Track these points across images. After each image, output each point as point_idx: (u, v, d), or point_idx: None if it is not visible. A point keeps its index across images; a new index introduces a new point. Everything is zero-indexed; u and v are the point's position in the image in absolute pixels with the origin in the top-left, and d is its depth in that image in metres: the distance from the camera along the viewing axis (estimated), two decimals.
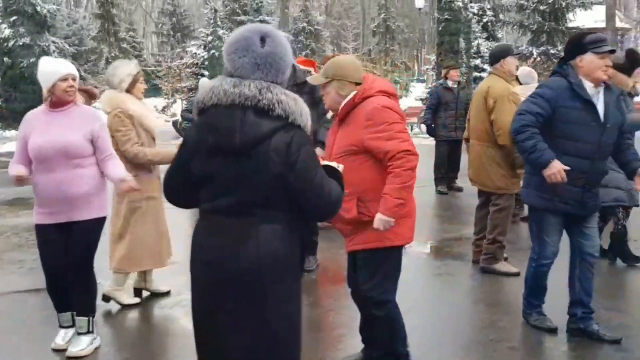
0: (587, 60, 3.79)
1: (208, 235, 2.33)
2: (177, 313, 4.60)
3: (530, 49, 27.10)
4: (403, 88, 25.75)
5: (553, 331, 4.10)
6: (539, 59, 26.51)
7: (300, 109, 2.28)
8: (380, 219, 3.15)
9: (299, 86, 5.01)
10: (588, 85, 3.80)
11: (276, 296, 2.30)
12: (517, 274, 5.22)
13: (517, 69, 5.78)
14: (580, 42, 3.85)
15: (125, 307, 4.73)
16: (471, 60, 21.22)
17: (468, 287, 5.27)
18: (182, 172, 2.37)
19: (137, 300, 4.85)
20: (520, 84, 6.77)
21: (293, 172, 2.24)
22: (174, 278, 4.98)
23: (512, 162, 5.32)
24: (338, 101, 3.28)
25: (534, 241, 4.14)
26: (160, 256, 4.77)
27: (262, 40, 2.28)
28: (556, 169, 3.72)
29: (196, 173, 2.31)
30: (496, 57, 5.51)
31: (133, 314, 4.68)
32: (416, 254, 6.05)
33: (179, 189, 2.42)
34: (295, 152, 2.24)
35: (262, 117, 2.23)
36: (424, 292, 5.07)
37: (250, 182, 2.24)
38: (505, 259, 5.53)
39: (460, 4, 21.44)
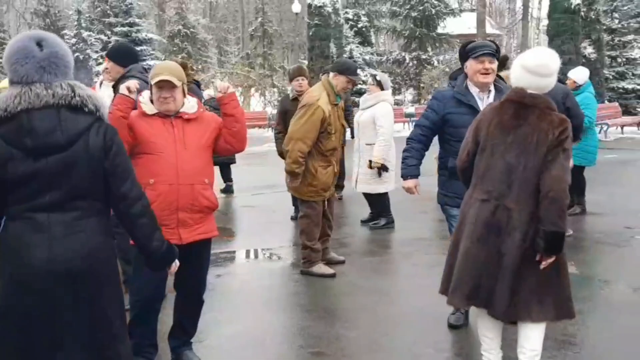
0: (469, 66, 4.08)
1: (33, 233, 2.38)
2: None
3: (403, 54, 27.95)
4: (281, 92, 25.73)
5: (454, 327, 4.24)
6: (411, 63, 27.36)
7: (102, 103, 2.52)
8: None
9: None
10: (474, 90, 4.07)
11: (108, 287, 2.52)
12: (333, 276, 5.43)
13: (344, 91, 5.68)
14: (463, 51, 4.16)
15: None
16: None
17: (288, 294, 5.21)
18: None
19: None
20: (382, 88, 7.02)
21: (112, 161, 2.47)
22: None
23: (312, 173, 5.35)
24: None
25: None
26: None
27: (39, 44, 2.40)
28: (406, 186, 4.33)
29: (8, 178, 2.36)
30: (335, 69, 5.48)
31: None
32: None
33: None
34: (110, 142, 2.47)
35: (77, 113, 2.42)
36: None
37: (73, 176, 2.40)
38: (342, 262, 5.77)
39: (330, 9, 21.66)
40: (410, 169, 4.29)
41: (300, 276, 5.53)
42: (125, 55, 4.73)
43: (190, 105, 3.48)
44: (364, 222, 7.44)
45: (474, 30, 31.12)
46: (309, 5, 21.77)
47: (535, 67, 3.15)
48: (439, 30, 28.33)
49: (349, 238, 6.83)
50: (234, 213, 8.59)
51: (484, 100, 4.08)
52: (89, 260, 2.42)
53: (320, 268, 5.52)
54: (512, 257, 3.12)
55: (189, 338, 3.74)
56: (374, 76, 7.23)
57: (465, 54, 4.12)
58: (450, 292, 3.33)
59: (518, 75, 3.22)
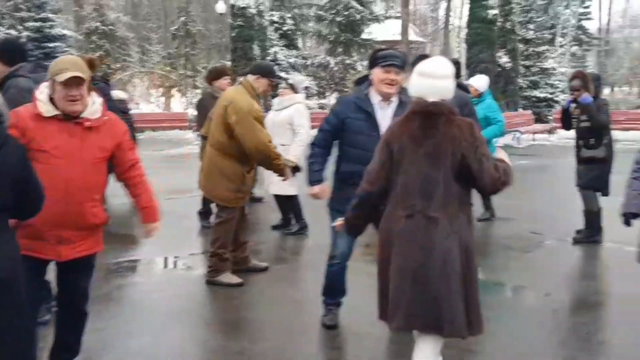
0: (375, 74, 4.04)
1: None
2: None
3: (328, 58, 28.01)
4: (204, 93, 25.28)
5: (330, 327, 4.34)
6: (336, 68, 27.46)
7: (6, 110, 2.53)
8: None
9: None
10: (376, 99, 4.04)
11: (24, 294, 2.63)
12: (240, 285, 5.26)
13: (266, 94, 5.60)
14: (372, 57, 4.10)
15: None
16: None
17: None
18: None
19: None
20: (295, 92, 7.02)
21: (26, 169, 2.55)
22: None
23: (241, 177, 5.23)
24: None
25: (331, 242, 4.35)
26: None
27: None
28: (313, 192, 4.31)
29: None
30: (256, 71, 5.35)
31: None
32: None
33: None
34: (21, 151, 2.54)
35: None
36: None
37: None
38: (266, 269, 5.68)
39: (254, 10, 21.44)
40: (315, 175, 4.27)
41: (205, 287, 5.32)
42: (11, 53, 4.30)
43: (94, 108, 3.17)
44: (274, 227, 7.32)
45: (398, 37, 31.66)
46: (232, 6, 21.47)
47: (428, 69, 3.17)
48: (364, 35, 28.58)
49: (259, 245, 6.66)
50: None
51: (384, 110, 4.07)
52: (12, 267, 2.57)
53: (227, 277, 5.34)
54: (450, 266, 3.04)
55: (72, 357, 3.47)
56: (286, 80, 7.19)
57: (374, 60, 4.08)
58: (391, 317, 3.17)
59: (415, 82, 3.21)
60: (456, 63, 6.71)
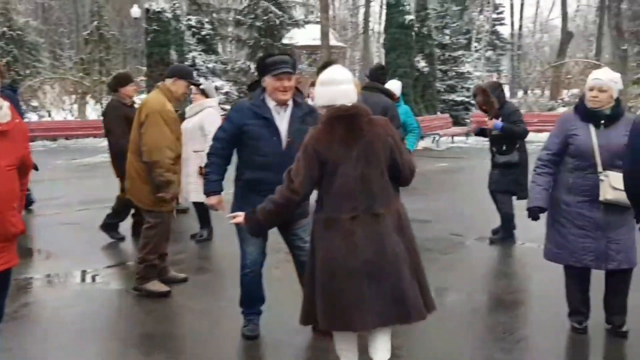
0: (267, 82, 3.98)
1: None
2: None
3: (248, 63, 27.82)
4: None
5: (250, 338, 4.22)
6: (256, 73, 27.27)
7: None
8: None
9: None
10: (271, 104, 4.00)
11: None
12: (167, 293, 5.14)
13: (184, 96, 5.47)
14: (261, 64, 4.05)
15: None
16: None
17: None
18: None
19: None
20: (207, 96, 6.98)
21: None
22: None
23: None
24: None
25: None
26: None
27: None
28: (210, 203, 4.19)
29: None
30: (171, 74, 5.27)
31: None
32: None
33: None
34: None
35: None
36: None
37: None
38: (185, 280, 5.51)
39: (170, 15, 21.01)
40: (212, 185, 4.17)
41: (122, 300, 5.11)
42: None
43: (2, 113, 3.02)
44: (193, 236, 7.16)
45: (318, 42, 31.81)
46: (147, 10, 20.93)
47: (328, 78, 3.35)
48: (285, 40, 28.57)
49: (179, 255, 6.46)
50: (54, 232, 7.78)
51: (281, 114, 4.05)
52: None
53: (155, 285, 5.21)
54: (401, 257, 3.26)
55: None
56: (197, 85, 7.03)
57: (263, 68, 4.02)
58: (355, 320, 3.22)
59: (320, 92, 3.37)
60: (382, 68, 6.74)
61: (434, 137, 18.95)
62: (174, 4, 21.36)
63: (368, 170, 3.26)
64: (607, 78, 4.15)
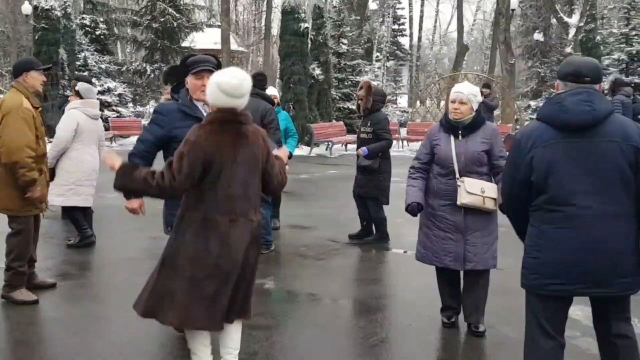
0: (189, 82, 4.00)
1: None
2: None
3: (144, 65, 27.22)
4: None
5: None
6: (152, 75, 26.75)
7: None
8: None
9: None
10: (199, 103, 3.98)
11: None
12: (35, 302, 5.04)
13: (43, 87, 5.37)
14: (182, 65, 4.06)
15: None
16: (76, 72, 20.08)
17: None
18: None
19: None
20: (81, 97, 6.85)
21: None
22: None
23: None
24: None
25: None
26: None
27: None
28: (130, 207, 3.91)
29: None
30: (19, 70, 5.14)
31: None
32: None
33: None
34: None
35: None
36: None
37: None
38: (53, 285, 5.42)
39: (60, 13, 20.21)
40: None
41: None
42: None
43: None
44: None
45: (219, 46, 31.54)
46: (35, 8, 20.06)
47: (231, 89, 3.32)
48: (185, 43, 28.16)
49: (47, 260, 6.24)
50: None
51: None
52: None
53: (22, 294, 5.08)
54: (255, 261, 3.54)
55: None
56: (74, 86, 6.96)
57: (184, 68, 4.04)
58: (211, 317, 3.38)
59: (216, 97, 3.36)
60: (262, 75, 7.00)
61: (328, 144, 19.28)
62: (65, 2, 20.53)
63: (249, 177, 3.42)
64: (467, 91, 4.52)
